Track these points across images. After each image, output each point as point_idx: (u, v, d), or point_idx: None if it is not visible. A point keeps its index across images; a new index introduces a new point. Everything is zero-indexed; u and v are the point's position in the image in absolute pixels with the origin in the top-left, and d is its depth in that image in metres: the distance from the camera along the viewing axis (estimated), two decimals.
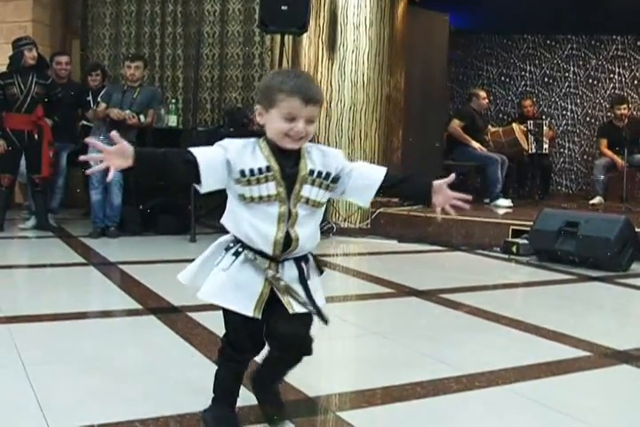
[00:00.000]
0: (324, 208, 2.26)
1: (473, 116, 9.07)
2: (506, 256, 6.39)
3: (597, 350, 3.41)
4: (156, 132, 7.38)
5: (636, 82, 11.90)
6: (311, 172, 2.18)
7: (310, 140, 2.21)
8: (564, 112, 12.02)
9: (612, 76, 11.97)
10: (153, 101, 6.99)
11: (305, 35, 7.28)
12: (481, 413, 2.60)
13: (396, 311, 4.24)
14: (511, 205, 8.42)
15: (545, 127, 10.13)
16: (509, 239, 6.57)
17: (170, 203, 7.31)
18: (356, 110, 7.41)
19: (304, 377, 2.83)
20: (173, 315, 3.82)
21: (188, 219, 6.68)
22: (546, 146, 10.13)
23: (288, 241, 2.16)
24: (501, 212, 8.00)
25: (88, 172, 2.42)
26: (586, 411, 2.62)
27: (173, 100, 8.37)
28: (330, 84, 7.43)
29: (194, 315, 3.73)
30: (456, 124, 8.94)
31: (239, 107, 8.39)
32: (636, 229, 6.07)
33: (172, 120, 8.10)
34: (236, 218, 2.18)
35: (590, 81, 12.02)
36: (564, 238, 5.97)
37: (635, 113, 11.10)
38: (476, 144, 8.87)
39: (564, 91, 12.11)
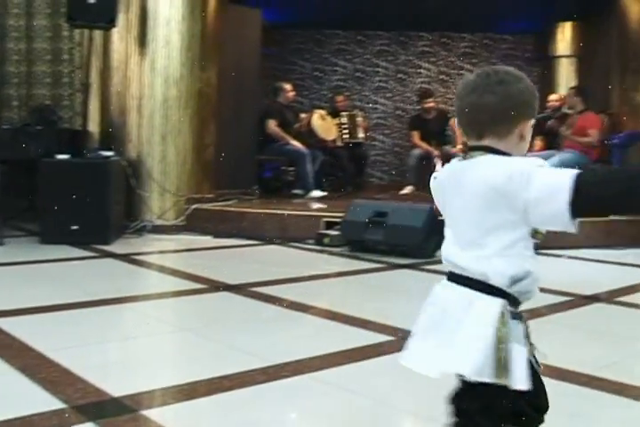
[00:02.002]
0: None
1: (282, 110, 9.15)
2: (319, 248, 6.54)
3: (400, 335, 3.56)
4: None
5: (442, 76, 12.44)
6: None
7: None
8: (376, 106, 12.40)
9: (419, 70, 12.46)
10: None
11: (115, 29, 7.14)
12: (285, 401, 2.67)
13: (207, 307, 4.27)
14: (324, 194, 8.59)
15: (359, 118, 10.40)
16: (322, 231, 6.72)
17: None
18: (168, 106, 7.33)
19: (108, 377, 2.82)
20: None
21: None
22: (361, 135, 10.39)
23: None
24: (315, 204, 8.15)
25: None
26: (389, 394, 2.75)
27: None
28: (141, 79, 7.32)
29: None
30: (273, 124, 8.96)
31: (48, 104, 8.14)
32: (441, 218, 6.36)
33: None
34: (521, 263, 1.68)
35: (400, 75, 12.46)
36: (374, 228, 6.18)
37: (442, 106, 11.60)
38: (293, 141, 8.95)
39: (375, 85, 12.49)
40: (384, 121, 12.36)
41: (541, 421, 1.76)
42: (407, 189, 9.62)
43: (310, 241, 6.76)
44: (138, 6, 7.33)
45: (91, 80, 7.11)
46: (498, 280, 1.64)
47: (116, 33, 7.33)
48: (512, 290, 1.65)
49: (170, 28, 7.35)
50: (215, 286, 4.74)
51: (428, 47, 12.47)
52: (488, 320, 1.61)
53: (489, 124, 1.69)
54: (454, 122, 10.23)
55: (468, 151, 1.74)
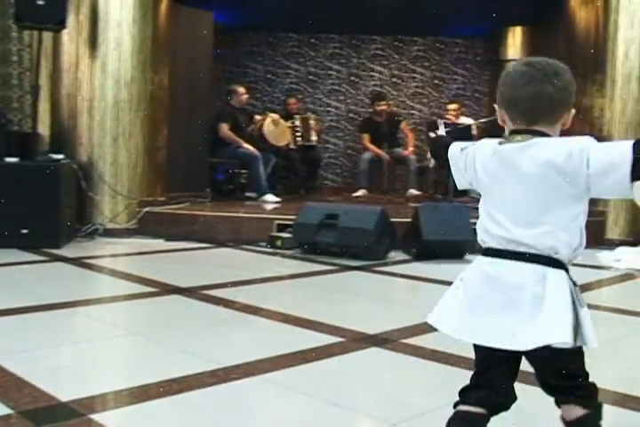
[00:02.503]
0: None
1: (234, 114, 9.11)
2: (272, 250, 6.55)
3: (350, 336, 3.60)
4: None
5: (394, 79, 12.52)
6: None
7: None
8: (329, 108, 12.44)
9: (372, 73, 12.53)
10: None
11: (65, 31, 7.08)
12: (234, 404, 2.67)
13: (158, 310, 4.26)
14: (278, 200, 8.60)
15: (311, 121, 10.42)
16: (274, 234, 6.73)
17: None
18: (119, 109, 7.29)
19: (57, 382, 2.81)
20: None
21: None
22: (314, 138, 10.41)
23: None
24: (268, 207, 8.17)
25: None
26: (338, 393, 2.77)
27: None
28: (92, 82, 7.27)
29: None
30: (225, 127, 8.93)
31: None
32: (392, 220, 6.43)
33: None
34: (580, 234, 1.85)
35: (352, 78, 12.52)
36: (326, 230, 6.22)
37: (394, 109, 11.70)
38: (246, 145, 8.93)
39: (328, 88, 12.53)
40: (337, 124, 12.41)
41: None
42: (360, 192, 9.68)
43: (263, 244, 6.77)
44: (88, 8, 7.27)
45: (40, 82, 7.03)
46: (565, 252, 1.80)
47: (66, 35, 7.27)
48: (570, 259, 1.83)
49: (121, 31, 7.31)
50: (167, 290, 4.73)
51: (381, 50, 12.55)
52: (566, 290, 1.77)
53: (546, 112, 1.84)
54: (405, 125, 10.39)
55: (513, 135, 1.86)
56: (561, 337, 1.74)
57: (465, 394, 1.92)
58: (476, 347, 1.88)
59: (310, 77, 12.54)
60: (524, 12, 10.54)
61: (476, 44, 12.56)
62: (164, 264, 5.98)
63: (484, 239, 1.89)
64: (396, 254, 6.34)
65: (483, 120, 10.12)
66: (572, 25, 8.03)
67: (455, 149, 2.03)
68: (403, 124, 10.34)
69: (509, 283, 1.80)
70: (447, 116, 10.13)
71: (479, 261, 1.89)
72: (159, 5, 7.66)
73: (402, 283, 5.33)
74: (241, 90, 9.34)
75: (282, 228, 6.81)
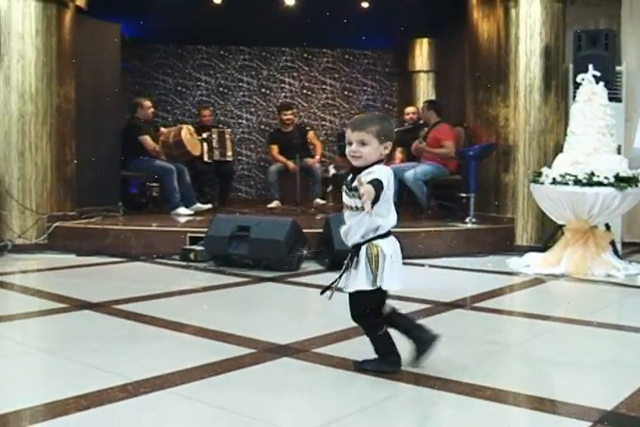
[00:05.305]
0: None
1: (140, 127, 9.04)
2: (184, 263, 6.51)
3: (261, 346, 3.60)
4: None
5: (304, 91, 12.60)
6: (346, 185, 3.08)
7: None
8: (240, 120, 12.44)
9: (282, 85, 12.58)
10: None
11: None
12: (144, 417, 2.65)
13: (67, 326, 4.18)
14: (191, 212, 8.54)
15: (227, 135, 10.40)
16: (187, 246, 6.69)
17: None
18: (24, 122, 7.15)
19: None
20: None
21: None
22: (229, 153, 10.38)
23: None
24: (182, 220, 8.11)
25: None
26: (250, 405, 2.77)
27: None
28: None
29: None
30: (149, 139, 8.87)
31: None
32: (304, 230, 6.46)
33: None
34: None
35: (263, 90, 12.55)
36: (238, 242, 6.21)
37: (302, 120, 11.79)
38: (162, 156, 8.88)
39: (239, 100, 12.53)
40: (249, 135, 12.41)
41: None
42: (274, 204, 9.69)
43: (176, 257, 6.72)
44: None
45: None
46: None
47: None
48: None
49: (24, 42, 7.19)
50: (77, 305, 4.66)
51: (290, 62, 12.62)
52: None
53: None
54: (312, 135, 10.43)
55: None
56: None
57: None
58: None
59: (221, 89, 12.52)
60: (429, 25, 10.75)
61: (385, 55, 12.75)
62: (74, 279, 5.88)
63: (387, 227, 3.08)
64: (308, 265, 6.37)
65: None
66: (476, 37, 8.22)
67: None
68: (310, 134, 10.35)
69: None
70: None
71: (390, 238, 3.09)
72: (63, 17, 7.55)
73: (314, 293, 5.32)
74: (147, 103, 9.23)
75: (195, 240, 6.77)
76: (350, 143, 3.05)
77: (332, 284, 3.09)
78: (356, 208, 3.02)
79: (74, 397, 2.77)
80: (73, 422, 2.56)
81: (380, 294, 3.11)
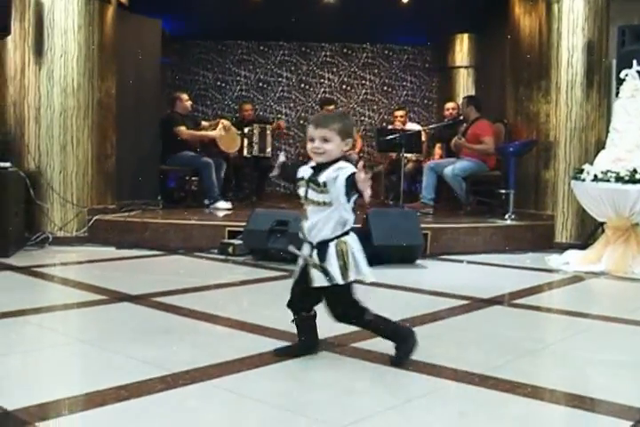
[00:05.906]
0: (336, 206, 3.07)
1: (182, 119, 9.12)
2: (223, 257, 6.54)
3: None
4: None
5: (344, 86, 12.59)
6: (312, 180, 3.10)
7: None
8: (279, 115, 12.47)
9: (322, 80, 12.58)
10: None
11: (9, 38, 7.00)
12: (184, 409, 2.66)
13: (107, 318, 4.22)
14: (230, 206, 8.57)
15: (268, 132, 10.39)
16: (225, 240, 6.72)
17: None
18: (66, 116, 7.23)
19: (3, 391, 2.78)
20: None
21: None
22: (269, 149, 10.38)
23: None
24: (220, 214, 8.15)
25: None
26: (289, 398, 2.78)
27: None
28: (38, 89, 7.20)
29: None
30: (184, 129, 8.97)
31: None
32: None
33: None
34: None
35: (302, 86, 12.56)
36: (276, 237, 6.22)
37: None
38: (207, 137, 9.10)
39: (278, 95, 12.57)
40: (287, 131, 12.43)
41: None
42: None
43: (214, 251, 6.75)
44: (33, 14, 7.20)
45: None
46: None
47: (10, 41, 7.19)
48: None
49: (67, 38, 7.25)
50: (116, 297, 4.70)
51: (330, 57, 12.63)
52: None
53: None
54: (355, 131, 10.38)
55: None
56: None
57: None
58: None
59: (260, 84, 12.57)
60: (470, 20, 10.69)
61: (425, 50, 12.71)
62: (114, 272, 5.93)
63: (352, 222, 3.14)
64: None
65: (431, 126, 10.23)
66: (517, 32, 8.16)
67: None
68: None
69: None
70: (395, 123, 10.19)
71: (352, 234, 3.15)
72: (105, 13, 7.61)
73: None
74: (184, 96, 9.32)
75: (233, 234, 6.80)
76: (312, 140, 3.11)
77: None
78: (324, 203, 3.08)
79: (113, 387, 2.80)
80: (112, 412, 2.58)
81: (352, 287, 3.17)
